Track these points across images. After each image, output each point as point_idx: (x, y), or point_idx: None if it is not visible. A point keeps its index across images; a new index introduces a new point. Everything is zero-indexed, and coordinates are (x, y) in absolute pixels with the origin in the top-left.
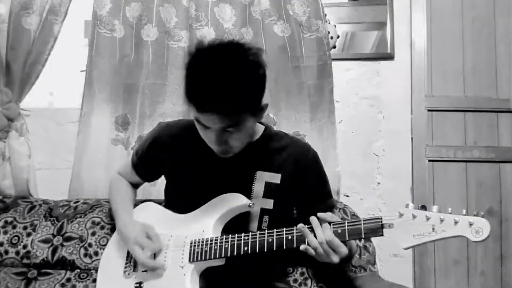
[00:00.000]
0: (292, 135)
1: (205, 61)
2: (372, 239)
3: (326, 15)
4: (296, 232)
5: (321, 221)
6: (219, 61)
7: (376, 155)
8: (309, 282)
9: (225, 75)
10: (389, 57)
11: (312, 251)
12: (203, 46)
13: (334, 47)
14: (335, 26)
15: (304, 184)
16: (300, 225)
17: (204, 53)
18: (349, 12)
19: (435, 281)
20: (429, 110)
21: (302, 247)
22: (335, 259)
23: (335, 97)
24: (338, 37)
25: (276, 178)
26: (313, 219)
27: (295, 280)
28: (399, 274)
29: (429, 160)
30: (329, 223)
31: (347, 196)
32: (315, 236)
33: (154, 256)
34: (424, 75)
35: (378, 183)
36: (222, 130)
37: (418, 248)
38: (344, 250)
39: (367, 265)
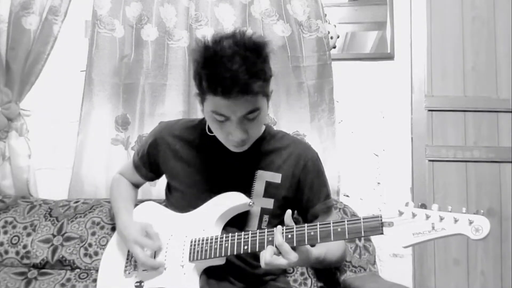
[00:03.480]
0: (292, 135)
1: (221, 49)
2: (372, 238)
3: (326, 15)
4: (296, 231)
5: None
6: (234, 45)
7: (376, 155)
8: (309, 282)
9: (245, 55)
10: (389, 57)
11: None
12: (210, 40)
13: (334, 47)
14: (335, 26)
15: (304, 184)
16: None
17: (216, 44)
18: (349, 12)
19: (435, 281)
20: (429, 110)
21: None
22: (283, 263)
23: (335, 97)
24: (338, 37)
25: (276, 177)
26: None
27: (295, 280)
28: (399, 274)
29: (429, 160)
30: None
31: (347, 196)
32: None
33: (155, 255)
34: (424, 75)
35: (378, 183)
36: (243, 118)
37: (418, 247)
38: (292, 257)
39: (367, 265)
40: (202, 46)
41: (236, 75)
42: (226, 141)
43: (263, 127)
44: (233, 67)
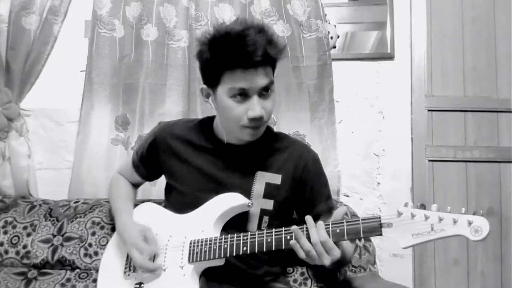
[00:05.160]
0: (292, 136)
1: (232, 28)
2: (372, 239)
3: (326, 15)
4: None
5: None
6: (243, 23)
7: (376, 155)
8: (309, 282)
9: (256, 27)
10: (389, 57)
11: (302, 253)
12: (214, 28)
13: (334, 47)
14: (335, 26)
15: (304, 186)
16: (294, 227)
17: (224, 27)
18: (349, 12)
19: (435, 281)
20: (429, 110)
21: (291, 242)
22: (327, 261)
23: (335, 97)
24: (338, 37)
25: (276, 178)
26: (308, 218)
27: (295, 280)
28: (399, 274)
29: (429, 160)
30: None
31: (347, 196)
32: (308, 238)
33: (154, 257)
34: (424, 75)
35: (378, 183)
36: (261, 93)
37: (418, 248)
38: (336, 253)
39: (367, 265)
40: (209, 34)
41: (255, 42)
42: (240, 128)
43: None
44: (250, 36)
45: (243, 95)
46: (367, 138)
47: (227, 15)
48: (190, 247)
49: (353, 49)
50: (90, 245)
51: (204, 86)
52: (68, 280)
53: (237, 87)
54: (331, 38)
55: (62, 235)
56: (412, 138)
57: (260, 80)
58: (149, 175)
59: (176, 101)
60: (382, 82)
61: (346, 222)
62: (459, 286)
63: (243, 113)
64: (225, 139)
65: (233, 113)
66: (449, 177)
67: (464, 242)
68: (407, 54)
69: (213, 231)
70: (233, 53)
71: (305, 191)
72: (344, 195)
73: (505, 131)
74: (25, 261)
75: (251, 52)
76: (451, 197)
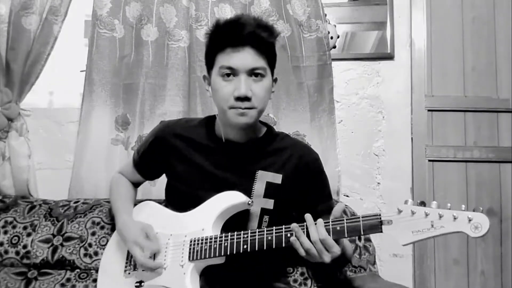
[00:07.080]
0: (293, 136)
1: (229, 18)
2: (372, 238)
3: (326, 15)
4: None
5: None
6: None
7: (376, 155)
8: (309, 282)
9: (252, 16)
10: (389, 57)
11: (302, 251)
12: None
13: (334, 47)
14: (335, 26)
15: (305, 186)
16: (294, 224)
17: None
18: (349, 12)
19: (435, 281)
20: (429, 110)
21: (291, 239)
22: (327, 258)
23: (335, 97)
24: (338, 37)
25: (277, 178)
26: (308, 216)
27: (295, 280)
28: (399, 274)
29: (429, 160)
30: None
31: (347, 196)
32: (308, 236)
33: (154, 255)
34: (424, 75)
35: (378, 183)
36: (250, 73)
37: (418, 247)
38: (336, 250)
39: (367, 265)
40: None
41: (244, 22)
42: (228, 110)
43: (265, 129)
44: (241, 19)
45: (231, 74)
46: (367, 138)
47: (227, 15)
48: (190, 245)
49: (353, 49)
50: (90, 245)
51: (206, 74)
52: (68, 280)
53: (226, 65)
54: (331, 38)
55: (62, 235)
56: (412, 138)
57: (249, 60)
58: (150, 174)
59: (176, 101)
60: (382, 82)
61: (346, 219)
62: (459, 286)
63: (230, 93)
64: (223, 136)
65: (221, 93)
66: (449, 177)
67: (464, 242)
68: (407, 54)
69: (213, 230)
70: (224, 32)
71: (305, 191)
72: (344, 195)
73: (505, 131)
74: (25, 261)
75: (239, 29)
76: (451, 197)
